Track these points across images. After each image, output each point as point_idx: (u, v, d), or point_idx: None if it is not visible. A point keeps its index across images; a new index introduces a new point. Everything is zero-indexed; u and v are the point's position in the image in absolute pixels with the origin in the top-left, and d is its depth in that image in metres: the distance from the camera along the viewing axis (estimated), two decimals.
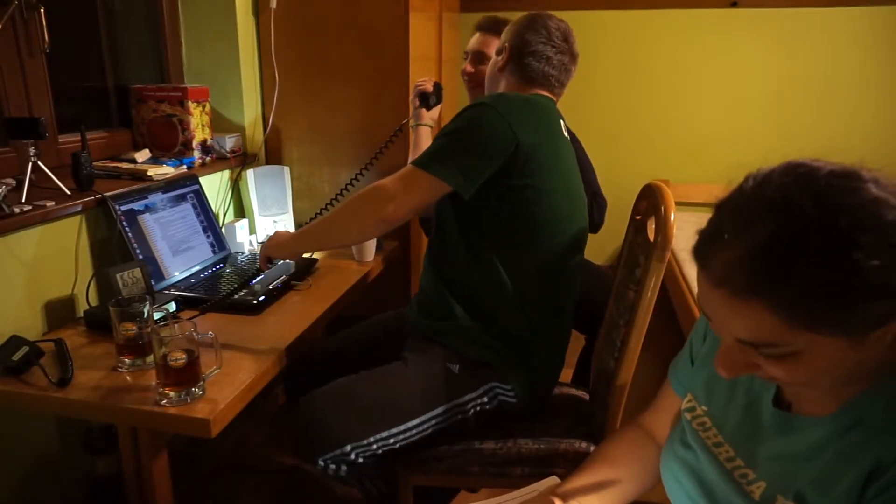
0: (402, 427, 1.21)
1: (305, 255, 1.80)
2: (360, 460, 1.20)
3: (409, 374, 1.28)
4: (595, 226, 1.73)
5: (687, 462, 0.82)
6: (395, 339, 1.42)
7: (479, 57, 1.89)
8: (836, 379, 0.65)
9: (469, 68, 1.91)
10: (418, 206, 1.25)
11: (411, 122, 1.80)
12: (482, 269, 1.28)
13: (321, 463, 1.20)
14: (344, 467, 1.21)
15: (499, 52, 1.46)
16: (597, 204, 1.75)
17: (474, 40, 1.91)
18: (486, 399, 1.28)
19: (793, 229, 0.58)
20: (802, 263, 0.57)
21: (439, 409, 1.24)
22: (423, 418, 1.23)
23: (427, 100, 1.77)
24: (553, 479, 0.99)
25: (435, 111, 1.81)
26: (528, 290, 1.28)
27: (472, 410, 1.27)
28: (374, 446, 1.20)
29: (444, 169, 1.21)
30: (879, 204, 0.57)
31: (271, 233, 1.54)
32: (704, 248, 0.64)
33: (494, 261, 1.27)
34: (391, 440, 1.21)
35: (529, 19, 1.41)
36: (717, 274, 0.62)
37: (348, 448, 1.18)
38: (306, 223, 1.38)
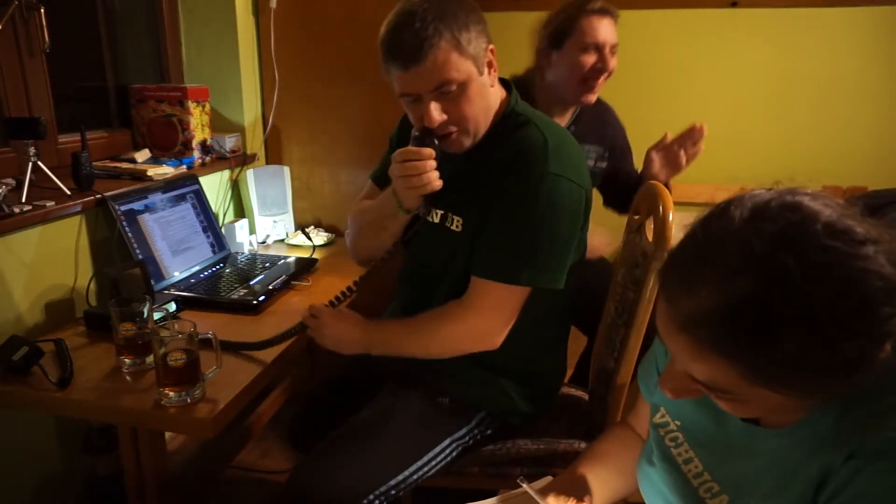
0: (406, 473, 1.16)
1: (305, 256, 1.80)
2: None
3: (400, 419, 1.20)
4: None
5: (653, 481, 0.83)
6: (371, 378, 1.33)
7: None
8: (781, 413, 0.66)
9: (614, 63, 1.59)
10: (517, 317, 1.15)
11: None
12: None
13: None
14: None
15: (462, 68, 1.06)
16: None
17: (611, 29, 1.57)
18: (483, 426, 1.25)
19: (771, 295, 0.54)
20: (774, 335, 0.54)
21: (438, 448, 1.19)
22: (426, 459, 1.18)
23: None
24: (548, 479, 0.99)
25: None
26: (535, 322, 1.19)
27: (473, 440, 1.24)
28: (392, 491, 1.15)
29: (543, 274, 1.11)
30: (868, 274, 0.53)
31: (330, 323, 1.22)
32: (674, 282, 0.60)
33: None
34: (401, 486, 1.16)
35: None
36: (683, 318, 0.58)
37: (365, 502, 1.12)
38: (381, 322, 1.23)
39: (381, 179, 1.33)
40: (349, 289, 1.28)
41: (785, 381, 0.57)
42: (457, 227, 1.19)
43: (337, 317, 1.22)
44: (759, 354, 0.56)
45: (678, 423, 0.82)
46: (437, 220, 1.22)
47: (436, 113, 1.08)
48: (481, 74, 1.10)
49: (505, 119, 1.17)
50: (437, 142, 1.12)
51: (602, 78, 1.60)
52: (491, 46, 1.11)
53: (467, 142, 1.15)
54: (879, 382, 0.60)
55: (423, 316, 1.18)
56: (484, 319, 1.13)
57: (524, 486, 0.90)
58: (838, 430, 0.61)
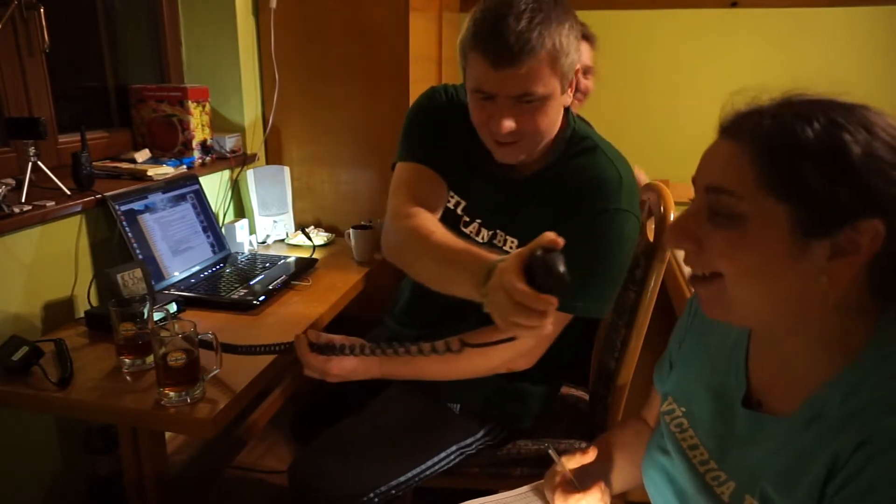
0: (409, 474, 1.17)
1: (305, 256, 1.80)
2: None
3: (406, 422, 1.21)
4: None
5: (664, 468, 0.84)
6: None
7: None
8: (767, 294, 0.66)
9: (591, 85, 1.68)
10: None
11: None
12: None
13: None
14: None
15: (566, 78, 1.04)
16: None
17: (590, 53, 1.70)
18: (489, 437, 1.25)
19: (812, 124, 0.62)
20: (803, 142, 0.61)
21: (443, 454, 1.20)
22: (428, 464, 1.18)
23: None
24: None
25: None
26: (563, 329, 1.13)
27: (478, 449, 1.24)
28: (393, 491, 1.16)
29: (595, 305, 1.09)
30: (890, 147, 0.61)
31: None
32: (734, 114, 0.69)
33: None
34: (402, 486, 1.16)
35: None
36: (730, 124, 0.69)
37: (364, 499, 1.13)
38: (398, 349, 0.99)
39: (423, 152, 1.18)
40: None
41: (792, 179, 0.61)
42: (510, 248, 1.15)
43: (331, 360, 1.09)
44: (784, 141, 0.62)
45: (683, 409, 0.83)
46: (484, 239, 1.17)
47: (508, 122, 1.02)
48: (563, 93, 1.05)
49: (569, 142, 1.12)
50: (563, 268, 0.79)
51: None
52: (578, 66, 1.06)
53: (522, 156, 1.09)
54: (884, 370, 0.61)
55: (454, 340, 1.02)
56: (528, 343, 1.08)
57: (551, 452, 0.93)
58: (846, 417, 0.61)
